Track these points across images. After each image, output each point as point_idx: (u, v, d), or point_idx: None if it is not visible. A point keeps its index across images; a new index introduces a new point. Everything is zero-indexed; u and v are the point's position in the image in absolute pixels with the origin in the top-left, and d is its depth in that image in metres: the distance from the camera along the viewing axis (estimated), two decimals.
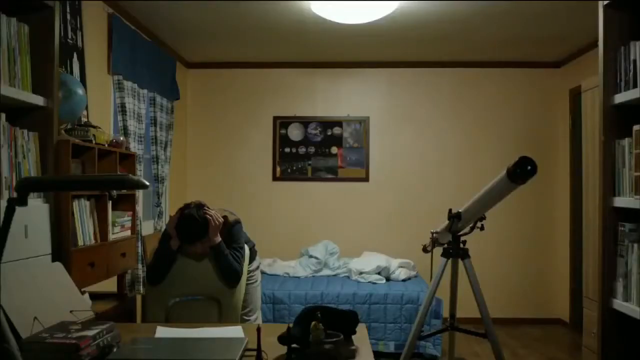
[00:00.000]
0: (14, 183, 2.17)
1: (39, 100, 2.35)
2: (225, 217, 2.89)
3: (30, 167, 2.31)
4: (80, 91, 3.01)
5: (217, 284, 2.71)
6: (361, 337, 1.85)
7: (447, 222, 2.94)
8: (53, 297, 2.04)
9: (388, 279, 4.75)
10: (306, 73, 5.84)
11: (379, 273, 4.79)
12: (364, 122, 5.80)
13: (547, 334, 5.27)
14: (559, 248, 5.70)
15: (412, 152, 5.79)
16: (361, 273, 4.79)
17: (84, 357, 1.53)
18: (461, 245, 2.96)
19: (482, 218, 2.86)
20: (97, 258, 2.91)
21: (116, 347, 1.65)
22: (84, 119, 3.41)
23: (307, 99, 5.84)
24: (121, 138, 3.49)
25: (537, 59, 5.63)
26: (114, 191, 3.39)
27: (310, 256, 5.22)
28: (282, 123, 5.83)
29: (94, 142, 3.08)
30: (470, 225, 2.90)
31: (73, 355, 1.51)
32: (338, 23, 4.40)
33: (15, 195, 1.25)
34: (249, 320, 3.08)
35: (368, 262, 4.89)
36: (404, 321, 4.27)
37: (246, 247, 3.00)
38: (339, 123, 5.80)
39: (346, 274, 4.96)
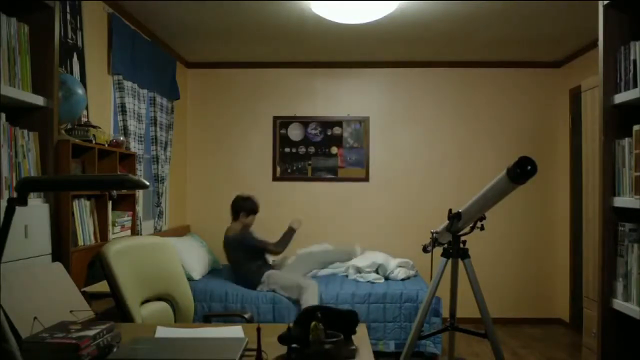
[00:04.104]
0: (14, 183, 2.17)
1: (39, 100, 2.35)
2: None
3: (30, 167, 2.31)
4: (80, 91, 3.02)
5: (171, 281, 2.65)
6: (361, 337, 1.85)
7: (447, 222, 2.94)
8: (53, 297, 2.04)
9: (387, 278, 4.75)
10: (306, 73, 5.84)
11: (376, 270, 4.80)
12: (364, 122, 5.80)
13: (547, 334, 5.28)
14: (559, 248, 5.70)
15: (412, 152, 5.79)
16: (359, 271, 4.79)
17: (84, 357, 1.53)
18: (461, 245, 2.95)
19: (482, 218, 2.85)
20: None
21: (116, 347, 1.65)
22: (84, 119, 3.41)
23: (307, 99, 5.84)
24: (121, 138, 3.49)
25: (537, 59, 5.63)
26: (114, 191, 3.39)
27: None
28: (282, 123, 5.83)
29: (94, 142, 3.09)
30: (470, 225, 2.90)
31: (73, 355, 1.51)
32: (338, 23, 4.40)
33: (15, 195, 1.25)
34: None
35: (365, 260, 4.90)
36: (404, 320, 4.27)
37: None
38: (339, 123, 5.81)
39: (344, 273, 4.96)
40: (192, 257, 4.74)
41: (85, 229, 3.01)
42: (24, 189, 1.25)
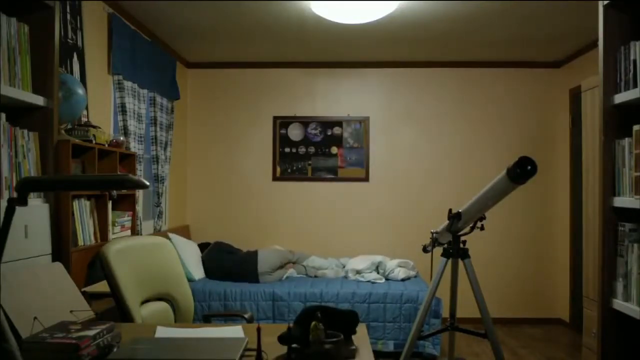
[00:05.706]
0: (14, 183, 2.17)
1: (39, 100, 2.35)
2: None
3: (30, 167, 2.31)
4: (80, 91, 3.02)
5: (171, 281, 2.65)
6: (361, 337, 1.85)
7: (447, 222, 2.94)
8: (53, 297, 2.04)
9: (387, 278, 4.75)
10: (306, 73, 5.84)
11: (376, 269, 4.80)
12: (364, 122, 5.80)
13: (547, 334, 5.28)
14: (559, 248, 5.70)
15: (412, 152, 5.79)
16: (358, 272, 4.79)
17: (84, 357, 1.53)
18: (461, 245, 2.95)
19: (482, 218, 2.86)
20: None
21: (116, 347, 1.65)
22: (84, 119, 3.41)
23: (307, 99, 5.84)
24: (121, 138, 3.49)
25: (537, 59, 5.63)
26: (114, 191, 3.39)
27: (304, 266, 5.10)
28: (282, 123, 5.83)
29: (94, 142, 3.09)
30: (470, 225, 2.90)
31: (73, 355, 1.51)
32: (338, 23, 4.40)
33: (15, 195, 1.24)
34: None
35: (363, 262, 4.90)
36: (403, 320, 4.27)
37: None
38: (339, 123, 5.81)
39: (344, 275, 4.95)
40: (192, 257, 4.74)
41: (85, 229, 3.01)
42: (24, 189, 1.25)
